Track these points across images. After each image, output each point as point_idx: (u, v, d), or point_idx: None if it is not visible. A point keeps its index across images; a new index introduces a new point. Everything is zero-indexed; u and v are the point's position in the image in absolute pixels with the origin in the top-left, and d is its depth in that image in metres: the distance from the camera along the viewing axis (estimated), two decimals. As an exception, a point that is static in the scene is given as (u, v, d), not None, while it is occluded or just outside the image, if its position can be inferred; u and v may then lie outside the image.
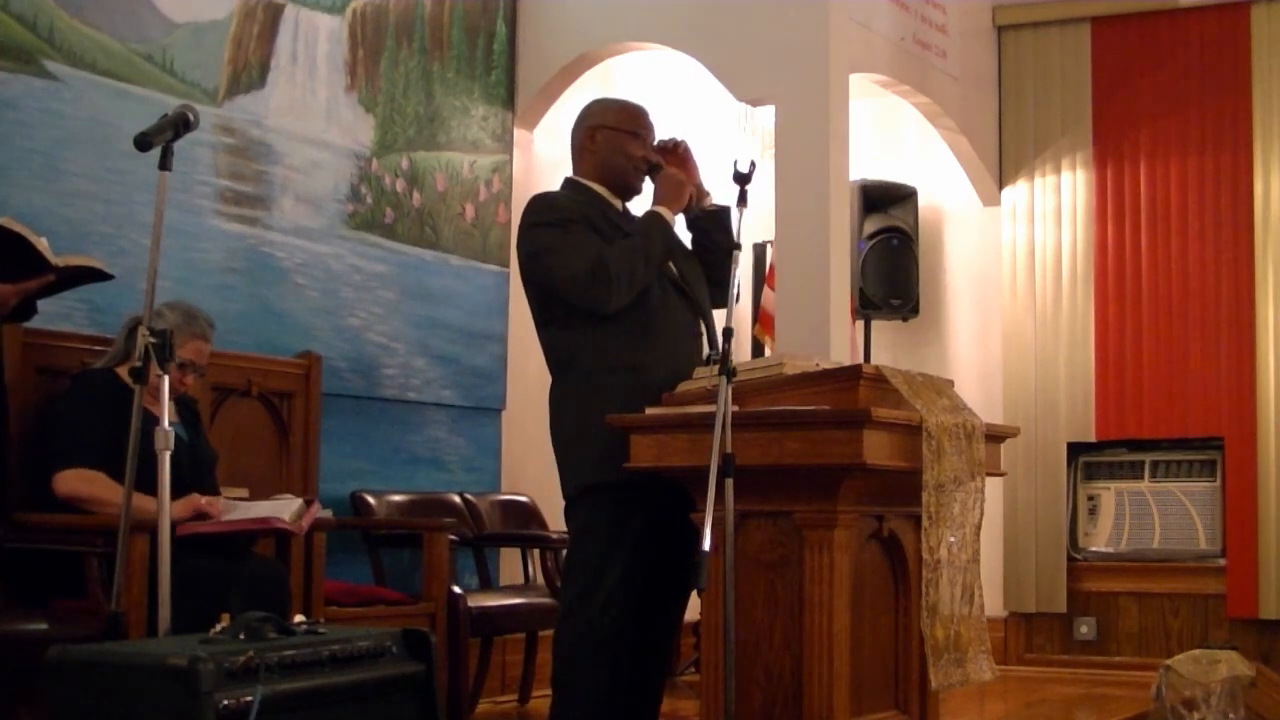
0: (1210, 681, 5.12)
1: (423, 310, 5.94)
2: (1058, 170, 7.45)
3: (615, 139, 3.95)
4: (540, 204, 3.94)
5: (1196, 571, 7.08)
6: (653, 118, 4.05)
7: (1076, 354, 7.31)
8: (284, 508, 4.21)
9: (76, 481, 3.99)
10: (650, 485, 3.75)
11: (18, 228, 3.55)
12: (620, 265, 3.75)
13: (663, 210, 3.88)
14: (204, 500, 4.04)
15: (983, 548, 3.86)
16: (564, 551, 5.49)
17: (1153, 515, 7.22)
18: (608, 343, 3.81)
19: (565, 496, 3.90)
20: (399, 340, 5.83)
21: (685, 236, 4.10)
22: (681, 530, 3.80)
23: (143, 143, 3.16)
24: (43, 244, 3.59)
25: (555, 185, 5.62)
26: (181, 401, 4.26)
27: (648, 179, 4.01)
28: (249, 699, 2.65)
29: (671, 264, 3.95)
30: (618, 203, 3.98)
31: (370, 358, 5.71)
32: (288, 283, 5.39)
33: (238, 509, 4.20)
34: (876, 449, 3.52)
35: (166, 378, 3.18)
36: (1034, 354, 7.39)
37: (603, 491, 3.79)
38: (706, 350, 3.98)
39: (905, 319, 7.45)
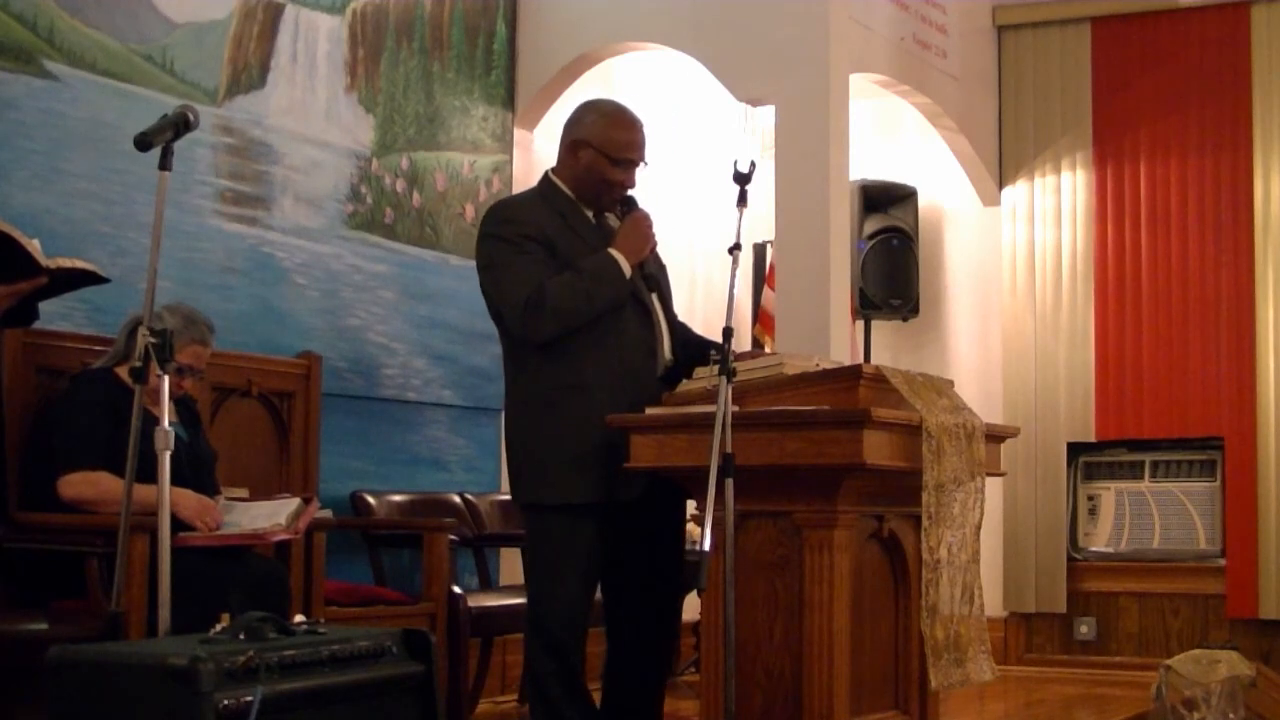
0: (1210, 681, 5.12)
1: (423, 310, 5.94)
2: (1058, 170, 7.45)
3: (596, 162, 3.84)
4: (499, 214, 3.89)
5: (1196, 571, 7.08)
6: (645, 129, 3.92)
7: (1076, 354, 7.31)
8: (282, 508, 4.21)
9: (82, 485, 3.99)
10: (595, 507, 3.75)
11: (8, 229, 3.54)
12: (559, 301, 3.70)
13: (620, 259, 3.79)
14: (210, 516, 4.05)
15: (983, 548, 3.86)
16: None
17: (1153, 515, 7.22)
18: (554, 361, 3.77)
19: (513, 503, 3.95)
20: (399, 340, 5.83)
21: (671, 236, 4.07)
22: (644, 546, 3.83)
23: (143, 143, 3.16)
24: (34, 246, 3.58)
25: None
26: (181, 401, 4.26)
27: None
28: (249, 699, 2.65)
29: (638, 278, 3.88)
30: (589, 211, 3.92)
31: (370, 358, 5.71)
32: (288, 283, 5.39)
33: (236, 509, 4.20)
34: (876, 449, 3.52)
35: (166, 378, 3.18)
36: (1034, 354, 7.39)
37: (544, 510, 3.80)
38: (667, 359, 3.91)
39: (905, 319, 7.45)
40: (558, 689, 3.76)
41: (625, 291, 3.81)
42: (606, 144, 3.85)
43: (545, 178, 3.97)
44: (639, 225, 3.86)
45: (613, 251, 3.81)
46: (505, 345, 3.92)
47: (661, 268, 4.04)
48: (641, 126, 3.93)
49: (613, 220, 3.95)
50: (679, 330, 4.02)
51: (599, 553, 3.78)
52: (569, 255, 3.79)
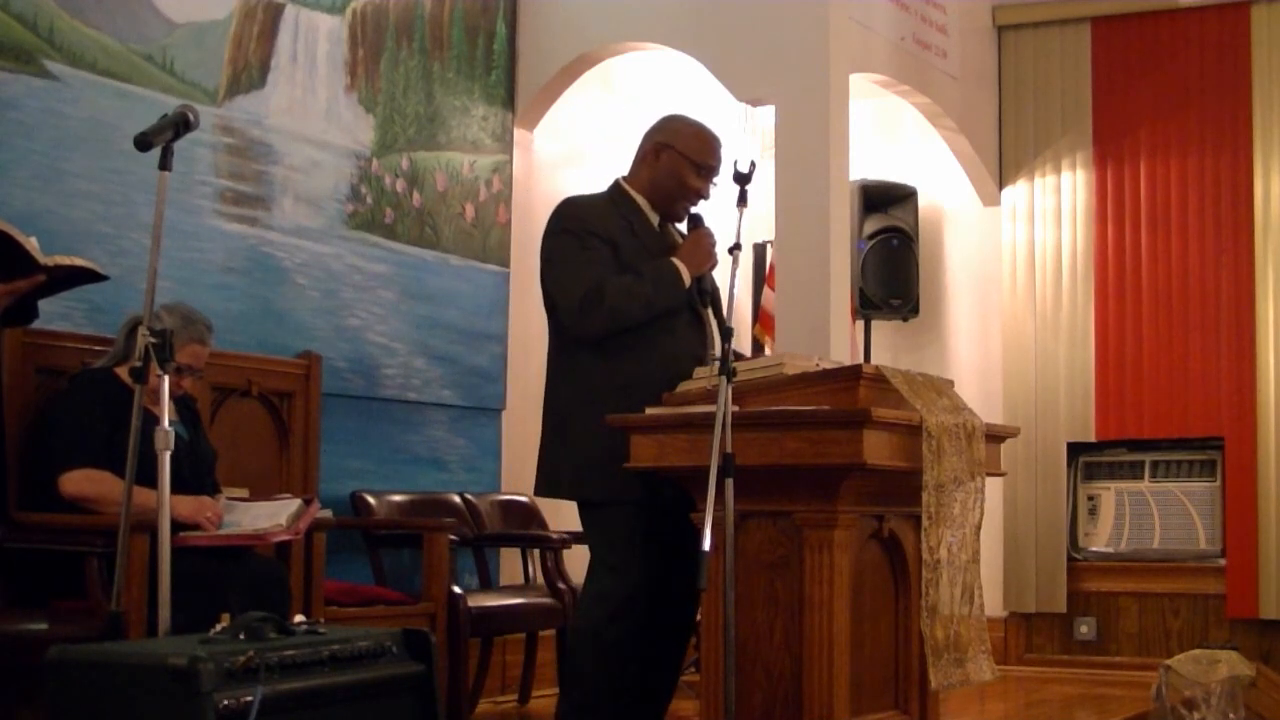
0: (1210, 681, 5.12)
1: (423, 310, 5.94)
2: (1058, 170, 7.45)
3: (678, 165, 3.94)
4: (567, 210, 3.96)
5: (1196, 571, 7.08)
6: (724, 152, 4.03)
7: (1076, 354, 7.31)
8: (283, 509, 4.21)
9: (84, 482, 3.99)
10: (638, 501, 3.77)
11: (5, 228, 3.54)
12: (616, 301, 3.77)
13: (682, 269, 3.89)
14: (210, 512, 4.05)
15: (983, 548, 3.86)
16: (563, 551, 5.54)
17: (1153, 515, 7.22)
18: (604, 360, 3.83)
19: (536, 493, 3.99)
20: (399, 340, 5.83)
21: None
22: (680, 539, 3.82)
23: (143, 143, 3.16)
24: (32, 244, 3.58)
25: (555, 185, 5.64)
26: (181, 400, 4.26)
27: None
28: (249, 699, 2.65)
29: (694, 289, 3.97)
30: (655, 218, 4.00)
31: (370, 358, 5.71)
32: (288, 283, 5.39)
33: (237, 510, 4.20)
34: (876, 449, 3.52)
35: (166, 377, 3.18)
36: (1034, 354, 7.39)
37: (591, 505, 3.85)
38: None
39: (905, 319, 7.45)
40: (585, 684, 3.79)
41: (682, 300, 3.90)
42: (690, 149, 3.96)
43: (616, 184, 4.04)
44: (703, 241, 3.96)
45: (675, 260, 3.89)
46: (554, 342, 3.96)
47: (716, 289, 4.09)
48: (721, 144, 4.03)
49: (676, 235, 4.03)
50: None
51: (648, 545, 3.80)
52: (631, 260, 3.86)
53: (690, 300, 3.95)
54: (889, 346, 7.52)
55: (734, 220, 3.72)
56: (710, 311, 4.03)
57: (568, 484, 3.89)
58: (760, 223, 6.73)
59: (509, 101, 6.46)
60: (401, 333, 5.84)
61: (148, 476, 3.21)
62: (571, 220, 3.91)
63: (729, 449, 3.37)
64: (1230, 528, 6.98)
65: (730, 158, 3.94)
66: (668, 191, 3.97)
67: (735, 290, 3.64)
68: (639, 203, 3.98)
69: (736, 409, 3.52)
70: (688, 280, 3.89)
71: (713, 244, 3.97)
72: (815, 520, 3.59)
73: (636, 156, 4.04)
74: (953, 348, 7.62)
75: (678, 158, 3.95)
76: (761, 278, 7.05)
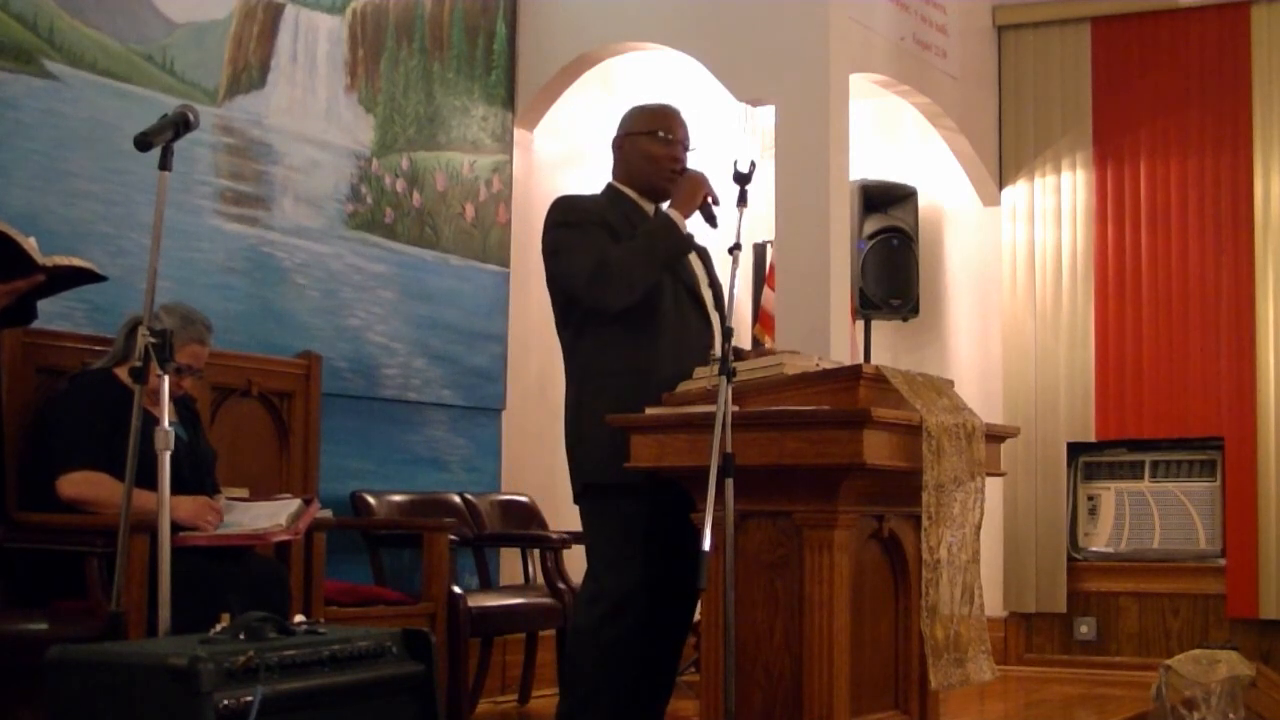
0: (1210, 681, 5.12)
1: (423, 310, 5.94)
2: (1058, 170, 7.45)
3: (639, 144, 4.01)
4: (562, 205, 4.01)
5: (1196, 571, 7.08)
6: (681, 115, 4.08)
7: (1076, 354, 7.31)
8: (282, 509, 4.21)
9: (82, 484, 3.99)
10: (651, 488, 3.77)
11: (4, 228, 3.54)
12: (623, 264, 3.79)
13: (673, 213, 3.92)
14: (210, 514, 4.05)
15: (983, 548, 3.86)
16: (563, 551, 5.54)
17: (1153, 515, 7.22)
18: (615, 346, 3.85)
19: (576, 501, 3.98)
20: (399, 340, 5.83)
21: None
22: (680, 538, 3.82)
23: (143, 143, 3.16)
24: (30, 244, 3.57)
25: (555, 185, 5.68)
26: (180, 401, 4.26)
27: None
28: (249, 699, 2.64)
29: (690, 267, 3.99)
30: (650, 207, 4.03)
31: (370, 358, 5.71)
32: (288, 283, 5.39)
33: (236, 510, 4.20)
34: (876, 449, 3.52)
35: (166, 378, 3.18)
36: (1034, 354, 7.39)
37: (607, 492, 3.83)
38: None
39: (905, 319, 7.45)
40: (589, 663, 3.79)
41: (685, 245, 3.93)
42: (643, 125, 4.04)
43: (608, 185, 4.10)
44: (691, 178, 3.98)
45: (665, 210, 3.95)
46: (568, 338, 3.97)
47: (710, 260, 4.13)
48: (677, 110, 4.10)
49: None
50: None
51: (648, 544, 3.79)
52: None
53: (693, 291, 3.96)
54: (889, 346, 7.52)
55: (734, 220, 3.72)
56: (713, 299, 4.05)
57: (575, 470, 3.90)
58: (760, 223, 6.74)
59: (509, 101, 6.46)
60: (401, 333, 5.84)
61: (147, 477, 3.21)
62: (567, 212, 3.96)
63: (729, 449, 3.37)
64: (1230, 528, 6.98)
65: (730, 158, 3.94)
66: (643, 173, 4.02)
67: (735, 290, 3.65)
68: (631, 196, 4.03)
69: (736, 409, 3.52)
70: (683, 223, 3.91)
71: (702, 179, 3.96)
72: (815, 520, 3.58)
73: (613, 161, 4.10)
74: (953, 348, 7.62)
75: (636, 138, 4.02)
76: (761, 278, 7.06)
